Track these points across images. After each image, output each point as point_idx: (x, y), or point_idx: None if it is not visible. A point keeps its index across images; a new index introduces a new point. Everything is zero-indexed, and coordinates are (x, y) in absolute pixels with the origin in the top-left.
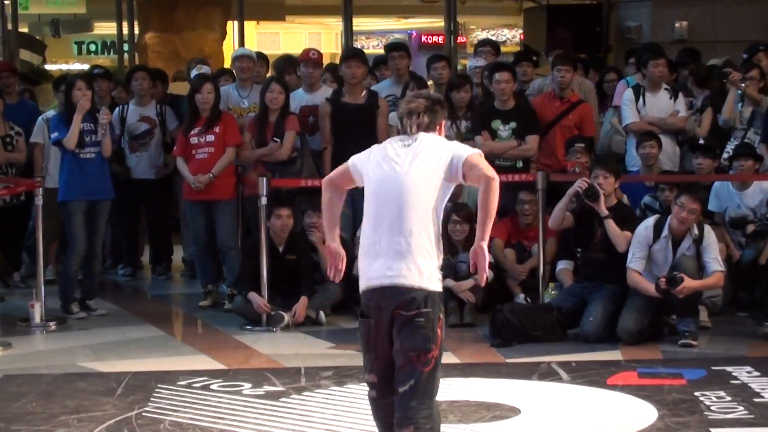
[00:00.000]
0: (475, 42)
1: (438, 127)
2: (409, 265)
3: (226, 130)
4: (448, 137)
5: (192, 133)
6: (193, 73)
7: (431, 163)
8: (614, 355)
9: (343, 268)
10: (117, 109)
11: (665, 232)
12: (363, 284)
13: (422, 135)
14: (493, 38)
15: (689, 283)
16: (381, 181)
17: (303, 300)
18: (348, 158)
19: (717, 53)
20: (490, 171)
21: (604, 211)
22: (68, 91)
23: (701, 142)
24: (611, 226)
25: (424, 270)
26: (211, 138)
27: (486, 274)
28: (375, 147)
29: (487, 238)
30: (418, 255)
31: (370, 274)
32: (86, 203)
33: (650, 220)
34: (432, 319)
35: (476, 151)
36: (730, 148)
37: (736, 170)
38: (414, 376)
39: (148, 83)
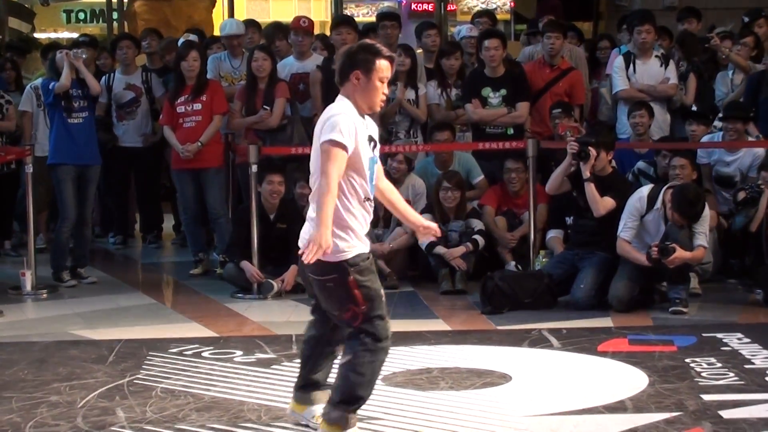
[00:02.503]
0: (465, 9)
1: (353, 75)
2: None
3: (213, 98)
4: (438, 105)
5: (179, 101)
6: (180, 40)
7: (317, 135)
8: (605, 322)
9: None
10: (103, 77)
11: (658, 204)
12: None
13: (338, 100)
14: (484, 6)
15: (681, 253)
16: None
17: (293, 268)
18: None
19: (707, 20)
20: (325, 172)
21: (587, 174)
22: (54, 62)
23: (694, 108)
24: (591, 189)
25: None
26: (198, 106)
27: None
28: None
29: (322, 223)
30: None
31: (301, 240)
32: (75, 169)
33: (644, 190)
34: (342, 282)
35: (335, 138)
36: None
37: (725, 132)
38: (348, 329)
39: (133, 51)
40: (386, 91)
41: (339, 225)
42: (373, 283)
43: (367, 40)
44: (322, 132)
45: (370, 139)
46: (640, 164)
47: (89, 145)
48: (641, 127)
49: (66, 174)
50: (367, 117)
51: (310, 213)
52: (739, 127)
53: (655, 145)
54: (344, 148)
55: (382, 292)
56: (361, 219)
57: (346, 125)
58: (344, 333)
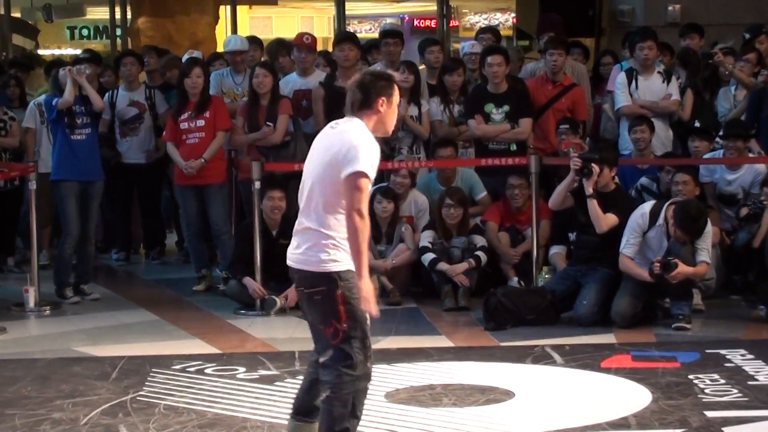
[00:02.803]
0: (467, 26)
1: (374, 104)
2: (306, 246)
3: (216, 114)
4: (441, 121)
5: (182, 118)
6: (185, 57)
7: (333, 152)
8: (608, 338)
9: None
10: (107, 94)
11: (660, 220)
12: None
13: (348, 121)
14: (486, 22)
15: (683, 268)
16: (306, 166)
17: None
18: None
19: (709, 36)
20: (355, 204)
21: (590, 191)
22: (57, 79)
23: (697, 125)
24: (593, 205)
25: (319, 251)
26: (201, 123)
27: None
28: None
29: (364, 273)
30: (316, 237)
31: (289, 253)
32: (78, 185)
33: (646, 207)
34: (330, 295)
35: (363, 170)
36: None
37: (726, 150)
38: (327, 347)
39: (137, 68)
40: None
41: (335, 237)
42: (359, 303)
43: (378, 68)
44: (345, 161)
45: None
46: (643, 180)
47: (92, 161)
48: (642, 143)
49: (69, 190)
50: None
51: (305, 223)
52: (740, 145)
53: (657, 161)
54: (370, 179)
55: (368, 316)
56: None
57: (371, 155)
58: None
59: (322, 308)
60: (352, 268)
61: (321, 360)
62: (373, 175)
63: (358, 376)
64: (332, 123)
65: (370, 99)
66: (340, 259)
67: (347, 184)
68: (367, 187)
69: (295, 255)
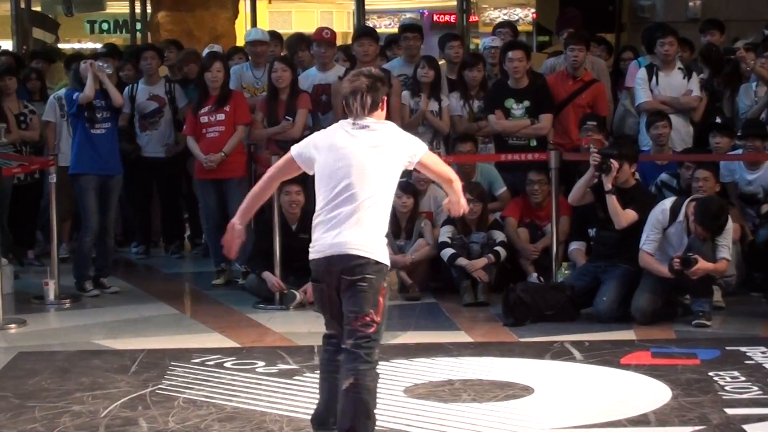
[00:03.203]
0: (487, 21)
1: (381, 104)
2: (357, 236)
3: (237, 108)
4: (461, 116)
5: (202, 111)
6: (205, 51)
7: (388, 150)
8: (628, 334)
9: (237, 250)
10: (126, 88)
11: (681, 216)
12: (315, 253)
13: (376, 122)
14: (506, 17)
15: (703, 264)
16: (334, 163)
17: None
18: None
19: (730, 32)
20: (447, 173)
21: (609, 186)
22: (78, 72)
23: (717, 120)
24: (612, 201)
25: (370, 241)
26: (221, 117)
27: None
28: (318, 133)
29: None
30: (367, 227)
31: (323, 242)
32: (97, 179)
33: (666, 203)
34: (375, 285)
35: (426, 149)
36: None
37: (744, 150)
38: (354, 335)
39: (156, 62)
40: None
41: (383, 231)
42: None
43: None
44: (412, 145)
45: None
46: (663, 176)
47: (112, 155)
48: (663, 138)
49: (88, 184)
50: None
51: (355, 214)
52: (758, 144)
53: (678, 156)
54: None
55: None
56: None
57: None
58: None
59: (365, 297)
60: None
61: (347, 345)
62: None
63: (375, 365)
64: (354, 121)
65: (379, 100)
66: (386, 253)
67: (432, 157)
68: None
69: (342, 242)
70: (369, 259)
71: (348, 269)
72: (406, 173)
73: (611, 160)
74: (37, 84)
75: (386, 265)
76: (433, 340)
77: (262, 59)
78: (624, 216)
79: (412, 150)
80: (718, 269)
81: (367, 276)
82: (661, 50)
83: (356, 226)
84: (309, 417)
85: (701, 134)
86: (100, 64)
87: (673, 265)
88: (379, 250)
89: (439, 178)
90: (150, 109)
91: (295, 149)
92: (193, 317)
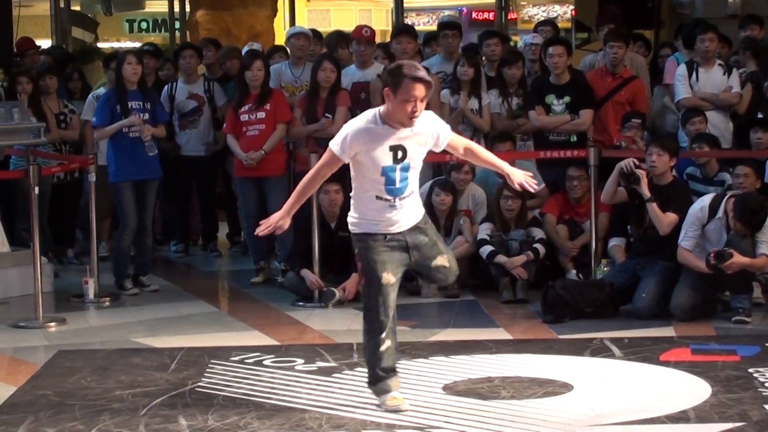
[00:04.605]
0: (526, 18)
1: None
2: (419, 206)
3: (277, 106)
4: (499, 114)
5: (242, 110)
6: (245, 49)
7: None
8: (667, 331)
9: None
10: (165, 87)
11: (720, 213)
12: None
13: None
14: (545, 14)
15: (738, 258)
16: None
17: (354, 276)
18: None
19: None
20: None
21: (647, 194)
22: (119, 66)
23: (759, 116)
24: (653, 208)
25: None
26: (261, 115)
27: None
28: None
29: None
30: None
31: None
32: (134, 182)
33: (706, 199)
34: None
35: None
36: None
37: None
38: None
39: (195, 61)
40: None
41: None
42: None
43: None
44: (443, 131)
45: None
46: (690, 169)
47: (149, 158)
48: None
49: (125, 185)
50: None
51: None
52: None
53: (719, 153)
54: None
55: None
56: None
57: None
58: None
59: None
60: (366, 231)
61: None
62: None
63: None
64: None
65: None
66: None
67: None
68: None
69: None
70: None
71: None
72: (447, 171)
73: (638, 170)
74: (79, 84)
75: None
76: (472, 337)
77: (302, 54)
78: (666, 221)
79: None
80: (755, 264)
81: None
82: (701, 46)
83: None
84: (348, 414)
85: (741, 129)
86: (147, 141)
87: (709, 259)
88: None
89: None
90: (189, 108)
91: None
92: (231, 315)
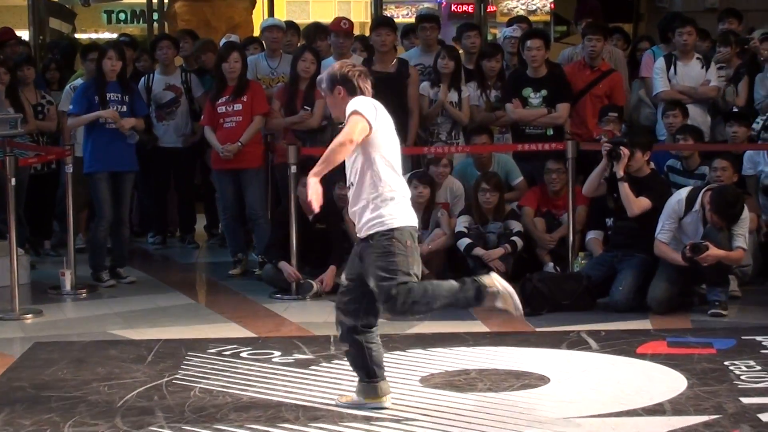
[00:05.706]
0: (505, 11)
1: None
2: None
3: (254, 98)
4: (478, 107)
5: (219, 102)
6: (222, 41)
7: None
8: (644, 324)
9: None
10: (142, 78)
11: (697, 206)
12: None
13: None
14: (524, 7)
15: (714, 251)
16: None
17: (331, 269)
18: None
19: (747, 23)
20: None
21: (620, 173)
22: (99, 59)
23: (735, 110)
24: (625, 189)
25: None
26: (238, 107)
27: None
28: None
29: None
30: None
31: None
32: (109, 173)
33: (683, 192)
34: None
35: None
36: (760, 118)
37: (762, 141)
38: None
39: (172, 52)
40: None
41: None
42: None
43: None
44: None
45: None
46: (670, 161)
47: (127, 151)
48: (674, 127)
49: (101, 176)
50: None
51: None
52: None
53: (696, 146)
54: None
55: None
56: None
57: None
58: None
59: None
60: None
61: None
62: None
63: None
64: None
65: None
66: None
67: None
68: None
69: None
70: None
71: None
72: (424, 163)
73: (621, 147)
74: (56, 74)
75: None
76: (449, 330)
77: (278, 46)
78: (637, 203)
79: None
80: (731, 257)
81: None
82: (680, 40)
83: None
84: (324, 407)
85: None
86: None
87: (685, 252)
88: None
89: None
90: (166, 99)
91: (367, 115)
92: (209, 307)
